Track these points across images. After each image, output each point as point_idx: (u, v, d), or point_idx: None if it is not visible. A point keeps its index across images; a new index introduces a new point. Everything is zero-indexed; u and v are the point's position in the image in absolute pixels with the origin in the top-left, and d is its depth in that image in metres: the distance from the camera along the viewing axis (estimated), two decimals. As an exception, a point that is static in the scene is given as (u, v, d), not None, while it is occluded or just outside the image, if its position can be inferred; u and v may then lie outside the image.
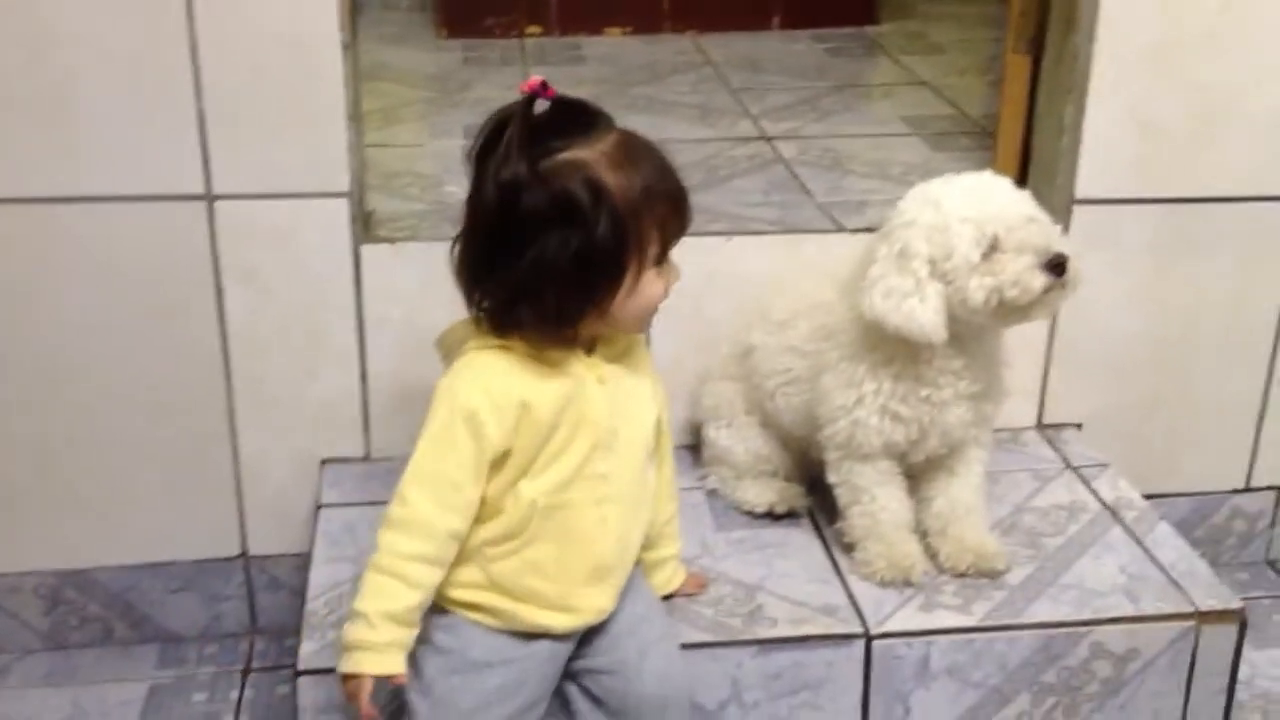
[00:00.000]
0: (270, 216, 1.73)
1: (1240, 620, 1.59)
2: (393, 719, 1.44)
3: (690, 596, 1.57)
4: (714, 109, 2.54)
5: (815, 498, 1.74)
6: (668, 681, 1.41)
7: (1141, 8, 1.79)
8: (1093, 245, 1.83)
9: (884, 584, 1.60)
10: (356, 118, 1.74)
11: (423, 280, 1.75)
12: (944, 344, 1.50)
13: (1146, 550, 1.69)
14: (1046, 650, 1.56)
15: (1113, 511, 1.77)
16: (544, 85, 1.25)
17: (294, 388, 1.82)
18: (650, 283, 1.29)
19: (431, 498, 1.28)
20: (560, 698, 1.43)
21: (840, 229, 1.91)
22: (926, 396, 1.55)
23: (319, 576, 1.63)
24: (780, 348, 1.67)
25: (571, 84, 2.59)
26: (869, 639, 1.53)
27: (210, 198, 1.71)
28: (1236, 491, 2.10)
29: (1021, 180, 1.90)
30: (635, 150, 1.28)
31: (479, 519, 1.32)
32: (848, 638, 1.53)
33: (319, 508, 1.77)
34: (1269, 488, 2.11)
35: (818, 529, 1.72)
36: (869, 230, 1.64)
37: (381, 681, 1.30)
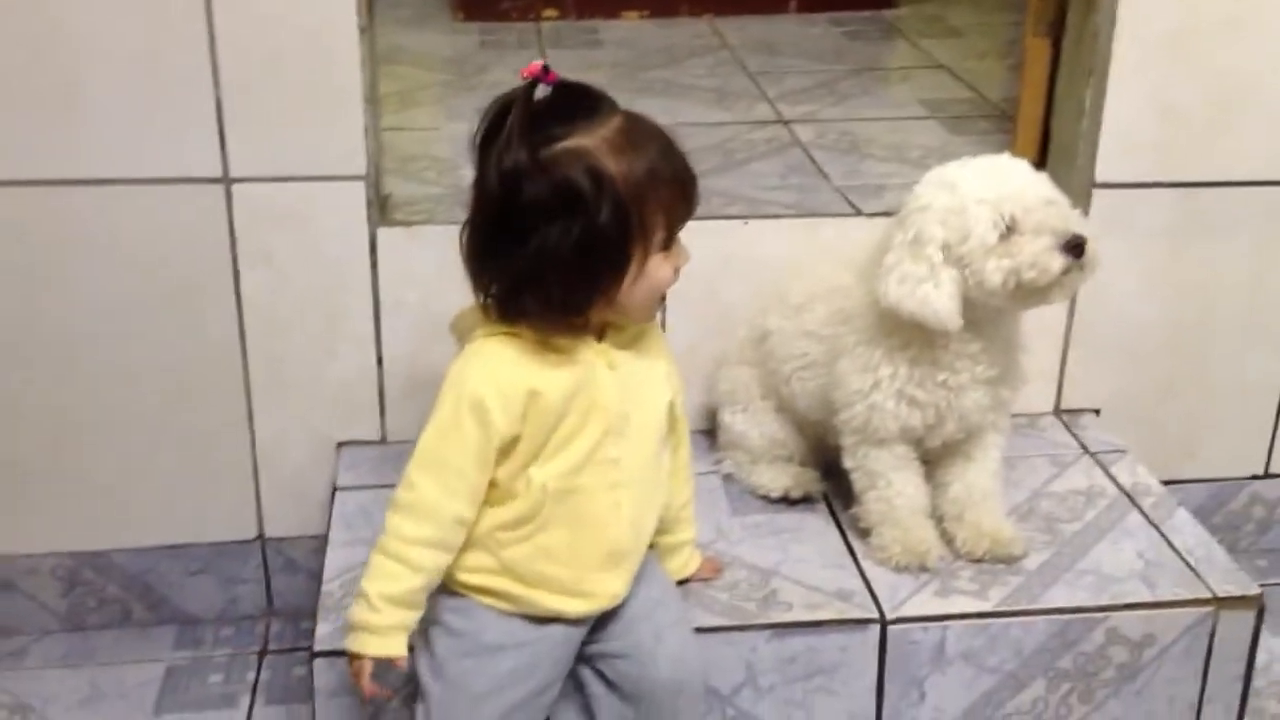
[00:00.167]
0: (287, 200, 1.73)
1: (1258, 607, 1.58)
2: (408, 701, 1.44)
3: (706, 581, 1.57)
4: (731, 92, 2.53)
5: (831, 483, 1.74)
6: (682, 666, 1.41)
7: (1162, -8, 1.78)
8: (1112, 229, 1.83)
9: (899, 569, 1.60)
10: (373, 101, 1.74)
11: (439, 264, 1.75)
12: (961, 328, 1.49)
13: (1164, 536, 1.68)
14: (1062, 636, 1.55)
15: (1130, 497, 1.77)
16: (545, 70, 1.24)
17: (311, 371, 1.82)
18: (657, 268, 1.28)
19: (437, 483, 1.29)
20: (574, 681, 1.43)
21: (857, 213, 1.90)
22: (943, 381, 1.54)
23: (335, 559, 1.63)
24: (797, 332, 1.66)
25: (588, 67, 2.61)
26: (884, 624, 1.53)
27: (227, 181, 1.71)
28: (1255, 478, 2.10)
29: (1041, 164, 1.89)
30: (639, 134, 1.26)
31: (492, 503, 1.32)
32: (863, 623, 1.53)
33: (335, 490, 1.78)
34: (1288, 474, 2.10)
35: (833, 514, 1.72)
36: (886, 214, 1.64)
37: (385, 663, 1.31)
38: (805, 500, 1.73)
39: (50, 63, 1.64)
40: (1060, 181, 1.52)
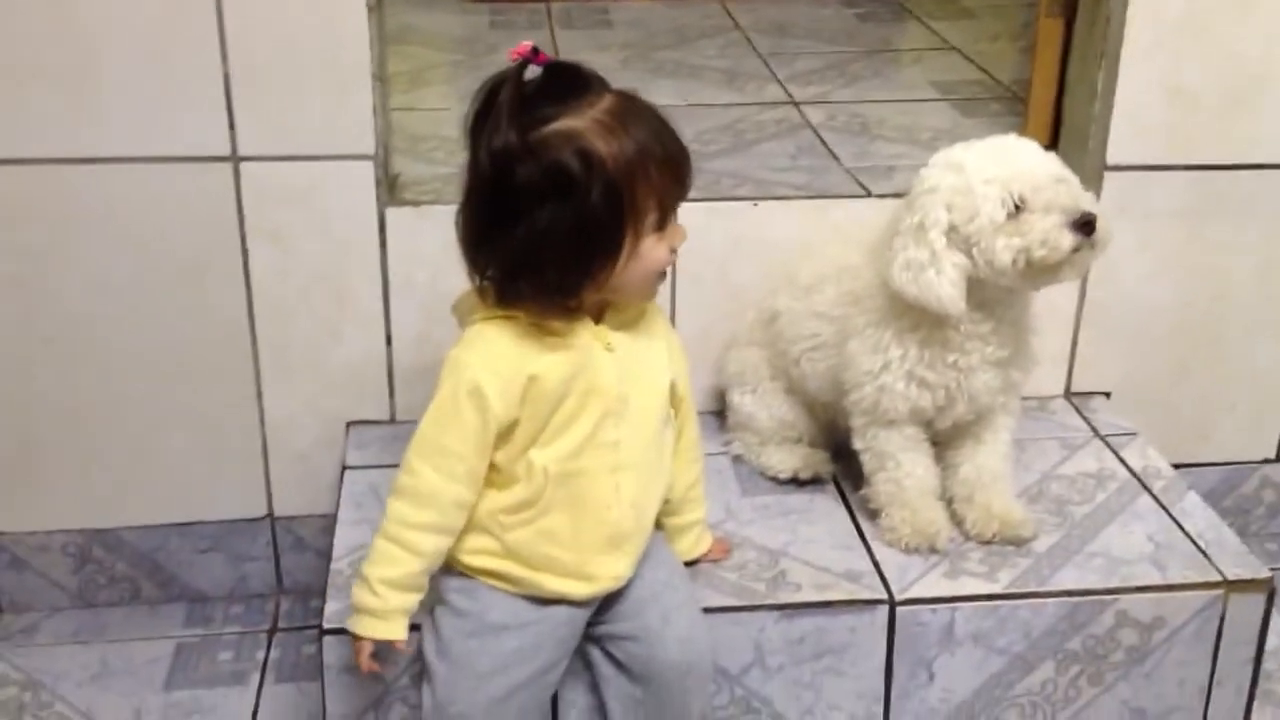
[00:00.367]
0: (295, 179, 1.73)
1: (1268, 590, 1.58)
2: (415, 681, 1.45)
3: (715, 562, 1.57)
4: (742, 74, 2.52)
5: (840, 464, 1.74)
6: (691, 647, 1.41)
7: (1176, -28, 1.77)
8: (1123, 212, 1.82)
9: (909, 550, 1.60)
10: (382, 80, 1.74)
11: (448, 243, 1.71)
12: (972, 309, 1.49)
13: (1174, 519, 1.68)
14: (1072, 618, 1.55)
15: (1141, 480, 1.76)
16: (535, 51, 1.24)
17: (319, 350, 1.82)
18: (651, 249, 1.27)
19: (437, 469, 1.29)
20: (583, 660, 1.44)
21: (868, 194, 1.90)
22: (953, 362, 1.54)
23: (344, 538, 1.64)
24: (807, 313, 1.66)
25: (598, 48, 2.60)
26: (893, 605, 1.53)
27: (236, 159, 1.71)
28: (1267, 461, 2.09)
29: (1052, 146, 1.89)
30: (629, 115, 1.25)
31: (495, 486, 1.33)
32: (872, 603, 1.53)
33: (344, 470, 1.78)
34: (1299, 458, 2.10)
35: (842, 495, 1.72)
36: (896, 196, 1.63)
37: (385, 644, 1.33)
38: (814, 481, 1.73)
39: (58, 42, 1.64)
40: (1072, 163, 1.52)
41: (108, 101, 1.67)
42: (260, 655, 1.85)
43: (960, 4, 3.06)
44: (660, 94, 2.24)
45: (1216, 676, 1.60)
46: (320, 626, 1.49)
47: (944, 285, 1.46)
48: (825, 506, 1.70)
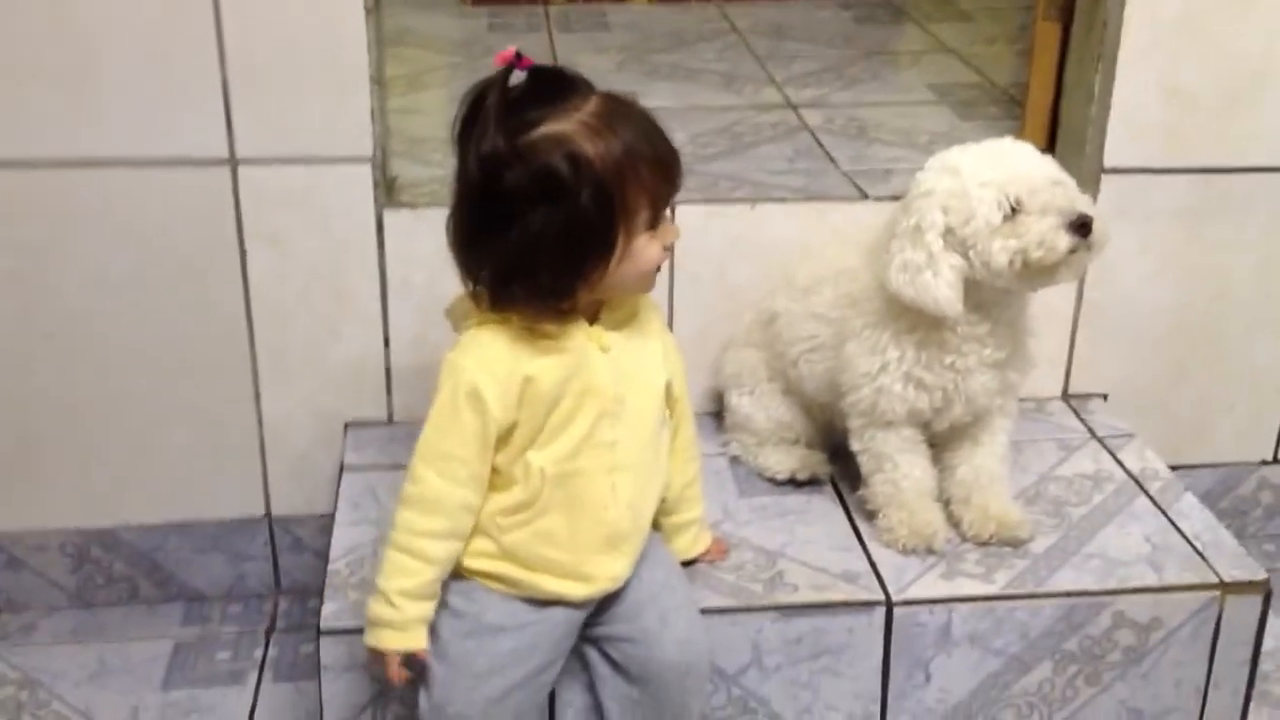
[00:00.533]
0: (293, 181, 1.73)
1: (1265, 591, 1.58)
2: (413, 682, 1.45)
3: (712, 562, 1.58)
4: (739, 76, 2.52)
5: (837, 465, 1.74)
6: (688, 648, 1.41)
7: (1173, -26, 1.77)
8: (1121, 214, 1.83)
9: (906, 551, 1.60)
10: (380, 83, 1.74)
11: (444, 246, 1.72)
12: (969, 311, 1.49)
13: (1171, 521, 1.68)
14: (1069, 619, 1.55)
15: (1138, 482, 1.76)
16: (519, 56, 1.24)
17: (317, 351, 1.82)
18: (644, 248, 1.27)
19: (441, 474, 1.29)
20: (580, 661, 1.44)
21: (865, 197, 1.90)
22: (951, 364, 1.54)
23: (342, 538, 1.64)
24: (804, 314, 1.66)
25: (596, 51, 2.61)
26: (890, 606, 1.53)
27: (234, 162, 1.71)
28: (1264, 463, 2.09)
29: (1050, 149, 1.89)
30: (616, 116, 1.25)
31: (493, 488, 1.33)
32: (869, 604, 1.53)
33: (342, 470, 1.78)
34: (1296, 460, 2.10)
35: (840, 496, 1.72)
36: (894, 198, 1.63)
37: (407, 655, 1.33)
38: (812, 482, 1.73)
39: (58, 43, 1.64)
40: (1069, 166, 1.52)
41: (106, 104, 1.67)
42: (258, 655, 1.85)
43: (957, 7, 3.07)
44: (658, 96, 2.25)
45: (1213, 677, 1.61)
46: (318, 627, 1.49)
47: (941, 287, 1.46)
48: (823, 507, 1.70)
